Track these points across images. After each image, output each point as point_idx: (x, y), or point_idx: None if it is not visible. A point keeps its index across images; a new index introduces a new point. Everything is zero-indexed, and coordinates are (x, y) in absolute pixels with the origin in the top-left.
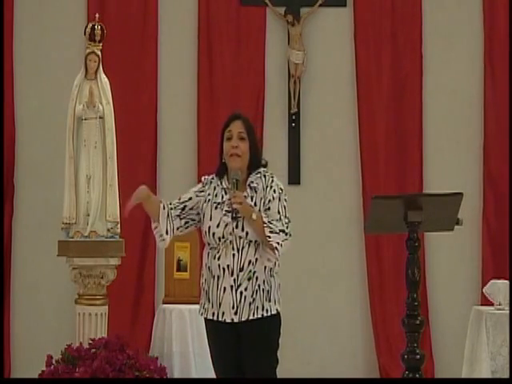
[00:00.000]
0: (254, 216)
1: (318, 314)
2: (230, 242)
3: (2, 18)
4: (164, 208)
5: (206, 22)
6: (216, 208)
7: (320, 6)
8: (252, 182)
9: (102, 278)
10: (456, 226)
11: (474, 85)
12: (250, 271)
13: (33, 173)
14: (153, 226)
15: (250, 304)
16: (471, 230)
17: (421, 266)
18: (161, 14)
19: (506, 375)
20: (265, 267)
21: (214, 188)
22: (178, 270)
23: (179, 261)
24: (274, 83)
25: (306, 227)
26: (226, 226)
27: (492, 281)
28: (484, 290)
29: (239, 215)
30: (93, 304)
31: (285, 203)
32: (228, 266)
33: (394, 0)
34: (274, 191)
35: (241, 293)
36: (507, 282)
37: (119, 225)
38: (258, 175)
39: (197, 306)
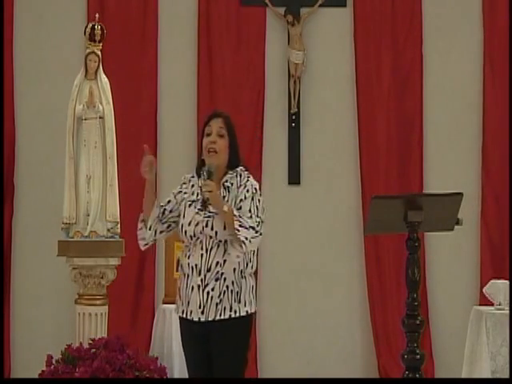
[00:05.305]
0: (225, 208)
1: (317, 314)
2: (200, 241)
3: (2, 18)
4: (157, 207)
5: (206, 22)
6: (190, 206)
7: (320, 6)
8: (226, 181)
9: (102, 277)
10: (456, 226)
11: (473, 85)
12: (218, 272)
13: (33, 173)
14: (139, 225)
15: (216, 304)
16: (471, 230)
17: (421, 265)
18: (161, 14)
19: (506, 375)
20: (234, 269)
21: (192, 186)
22: (178, 269)
23: (179, 261)
24: (273, 83)
25: (305, 227)
26: (197, 224)
27: (492, 281)
28: (484, 290)
29: (211, 209)
30: (93, 304)
31: (258, 204)
32: (196, 265)
33: (394, 0)
34: (248, 191)
35: (207, 293)
36: (507, 282)
37: (119, 225)
38: (234, 174)
39: None
